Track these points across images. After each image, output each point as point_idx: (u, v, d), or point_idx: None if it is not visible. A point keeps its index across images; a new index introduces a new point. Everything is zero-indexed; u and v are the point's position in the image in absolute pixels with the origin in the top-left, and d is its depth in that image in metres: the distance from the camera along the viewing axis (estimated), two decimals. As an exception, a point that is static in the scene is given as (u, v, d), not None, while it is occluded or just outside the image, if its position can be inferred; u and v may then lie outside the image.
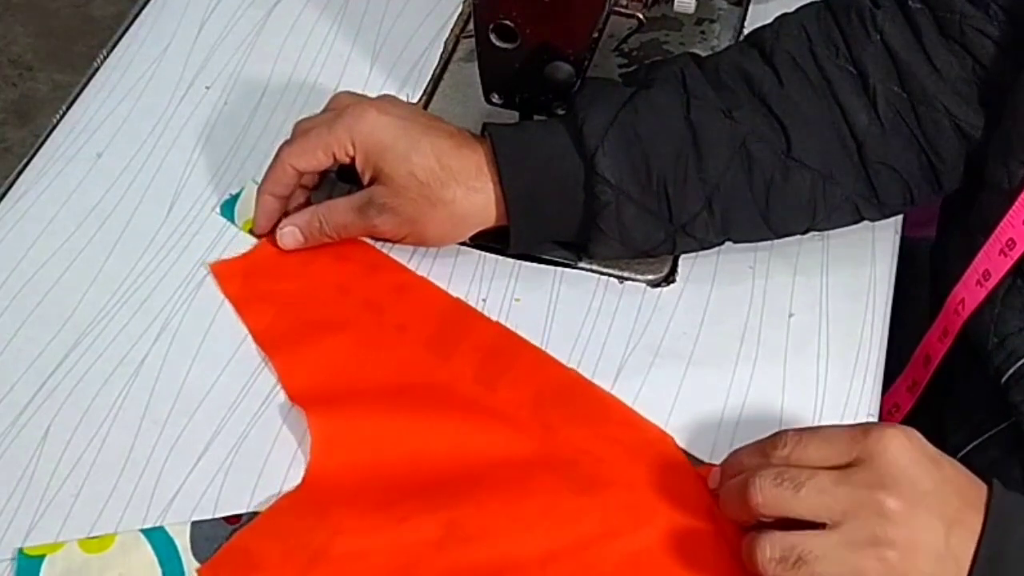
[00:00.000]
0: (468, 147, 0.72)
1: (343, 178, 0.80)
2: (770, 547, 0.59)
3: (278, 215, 0.76)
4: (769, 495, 0.60)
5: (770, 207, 0.73)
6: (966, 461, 0.73)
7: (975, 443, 0.73)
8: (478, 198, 0.71)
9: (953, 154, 0.73)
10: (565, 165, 0.71)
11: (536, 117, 0.77)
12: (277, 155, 0.74)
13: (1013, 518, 0.60)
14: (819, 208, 0.74)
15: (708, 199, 0.72)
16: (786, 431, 0.63)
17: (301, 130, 0.75)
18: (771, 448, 0.62)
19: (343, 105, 0.74)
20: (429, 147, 0.71)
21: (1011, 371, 0.68)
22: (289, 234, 0.75)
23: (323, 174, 0.77)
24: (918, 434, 0.61)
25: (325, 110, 0.76)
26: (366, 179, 0.73)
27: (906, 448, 0.59)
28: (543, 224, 0.73)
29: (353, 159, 0.73)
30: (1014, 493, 0.61)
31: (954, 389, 0.75)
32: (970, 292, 0.71)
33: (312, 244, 0.75)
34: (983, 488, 0.61)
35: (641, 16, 0.80)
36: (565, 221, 0.73)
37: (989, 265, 0.70)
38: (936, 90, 0.72)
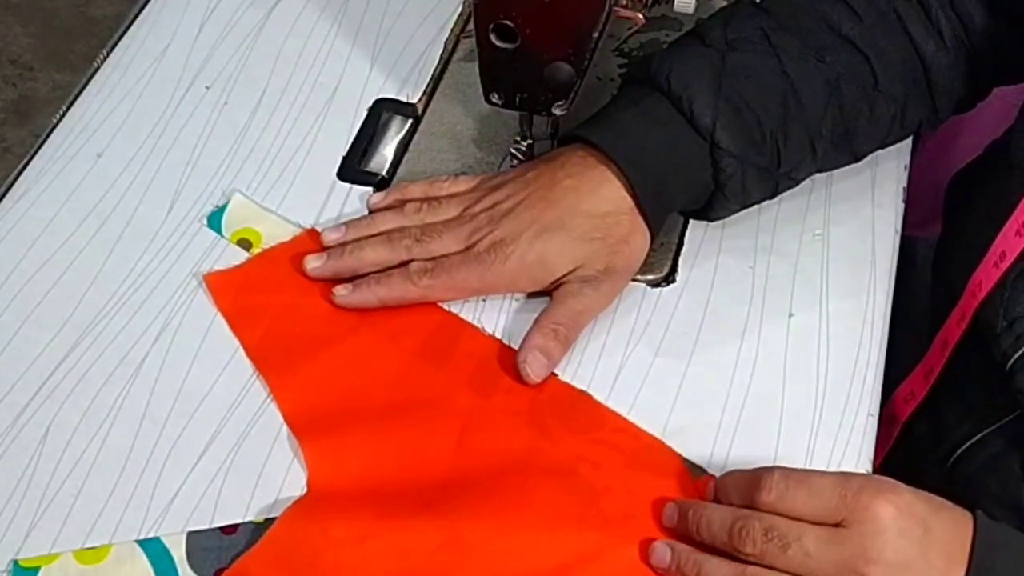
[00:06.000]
0: (596, 211, 0.72)
1: (343, 178, 0.80)
2: None
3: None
4: (758, 549, 0.60)
5: (857, 138, 0.77)
6: (968, 455, 0.73)
7: (977, 437, 0.73)
8: (637, 233, 0.73)
9: (994, 69, 0.80)
10: (687, 150, 0.73)
11: (536, 117, 0.77)
12: (412, 282, 0.72)
13: (995, 552, 0.60)
14: (893, 132, 0.79)
15: (812, 144, 0.75)
16: (774, 471, 0.62)
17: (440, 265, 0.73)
18: (756, 490, 0.62)
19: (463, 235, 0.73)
20: (584, 251, 0.72)
21: (1017, 355, 0.68)
22: (540, 364, 0.70)
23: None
24: (907, 493, 0.60)
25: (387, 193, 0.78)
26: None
27: (893, 516, 0.59)
28: (670, 208, 0.75)
29: None
30: (996, 527, 0.61)
31: (958, 382, 0.76)
32: (987, 274, 0.72)
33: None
34: (968, 528, 0.60)
35: (641, 16, 0.80)
36: (691, 198, 0.75)
37: (1006, 246, 0.70)
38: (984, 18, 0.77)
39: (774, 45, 0.75)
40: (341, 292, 0.73)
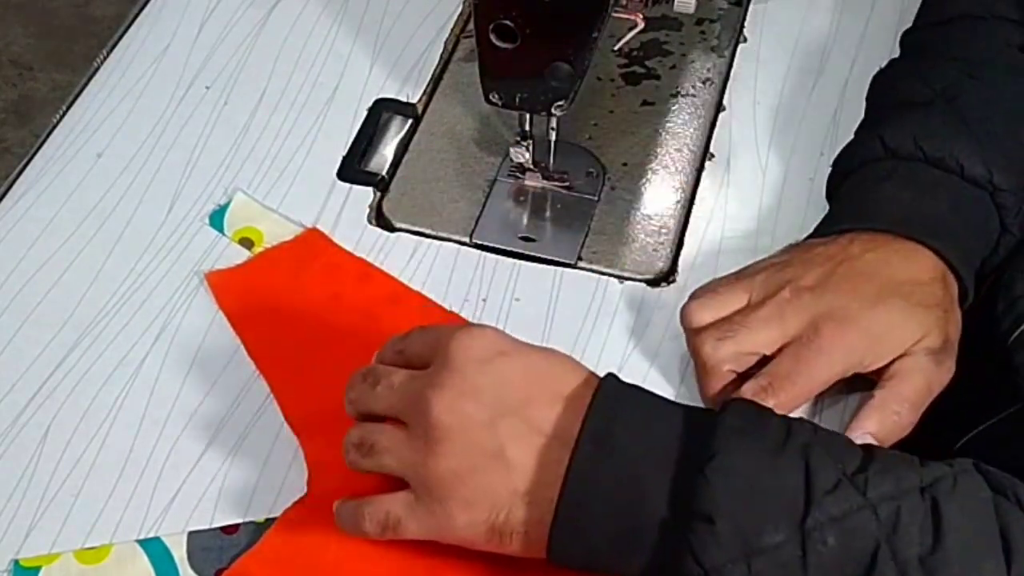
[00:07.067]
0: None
1: (343, 178, 0.80)
2: (353, 433, 0.62)
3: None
4: (355, 391, 0.63)
5: None
6: (969, 447, 0.73)
7: (979, 429, 0.73)
8: (955, 303, 0.70)
9: None
10: (969, 203, 0.71)
11: (536, 117, 0.77)
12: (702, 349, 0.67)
13: (619, 403, 0.59)
14: None
15: None
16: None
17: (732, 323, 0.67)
18: (391, 343, 0.65)
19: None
20: (928, 319, 0.67)
21: (1016, 334, 0.68)
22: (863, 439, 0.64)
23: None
24: (498, 332, 0.62)
25: None
26: None
27: (466, 346, 0.60)
28: (975, 263, 0.71)
29: None
30: (626, 384, 0.60)
31: (959, 375, 0.75)
32: None
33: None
34: (579, 379, 0.60)
35: (641, 16, 0.80)
36: (983, 249, 0.72)
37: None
38: None
39: (976, 79, 0.74)
40: None
